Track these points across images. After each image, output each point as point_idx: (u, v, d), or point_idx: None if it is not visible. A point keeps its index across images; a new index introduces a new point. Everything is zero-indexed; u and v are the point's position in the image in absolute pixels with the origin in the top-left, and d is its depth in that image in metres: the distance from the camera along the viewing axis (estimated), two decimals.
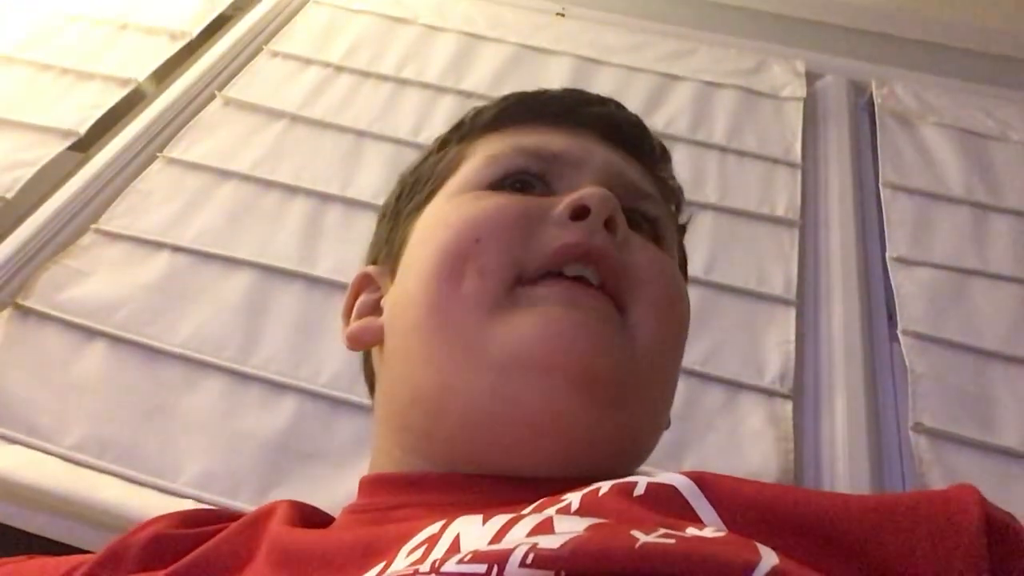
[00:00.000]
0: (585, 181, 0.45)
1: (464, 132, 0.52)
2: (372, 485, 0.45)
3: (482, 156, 0.48)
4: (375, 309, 0.49)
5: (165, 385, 0.88)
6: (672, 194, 0.53)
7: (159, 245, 1.02)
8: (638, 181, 0.48)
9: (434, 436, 0.42)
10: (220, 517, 0.47)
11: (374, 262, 0.52)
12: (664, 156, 0.53)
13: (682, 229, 0.55)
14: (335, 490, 0.79)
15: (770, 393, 0.93)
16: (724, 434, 0.89)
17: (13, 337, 0.91)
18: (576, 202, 0.42)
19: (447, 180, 0.48)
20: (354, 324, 0.48)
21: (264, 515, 0.44)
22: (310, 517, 0.46)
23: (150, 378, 0.88)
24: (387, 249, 0.51)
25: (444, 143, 0.53)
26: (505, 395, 0.38)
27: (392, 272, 0.48)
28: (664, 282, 0.44)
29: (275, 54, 1.34)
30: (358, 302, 0.50)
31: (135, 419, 0.85)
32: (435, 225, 0.45)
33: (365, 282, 0.51)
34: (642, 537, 0.27)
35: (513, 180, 0.46)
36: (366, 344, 0.49)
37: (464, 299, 0.40)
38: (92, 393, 0.86)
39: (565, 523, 0.29)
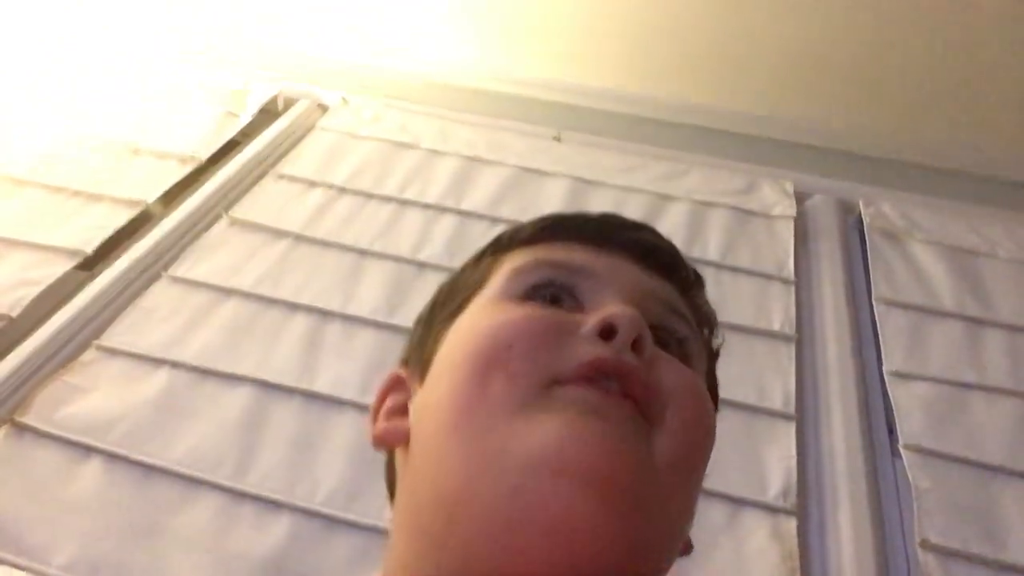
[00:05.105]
0: (614, 298, 0.46)
1: (499, 247, 0.53)
2: None
3: (509, 267, 0.49)
4: (403, 411, 0.49)
5: (159, 503, 0.87)
6: (705, 319, 0.54)
7: (159, 362, 1.02)
8: (669, 300, 0.49)
9: (449, 543, 0.41)
10: None
11: (405, 365, 0.53)
12: (698, 282, 0.54)
13: (714, 355, 0.55)
14: None
15: (773, 509, 0.92)
16: (729, 551, 0.87)
17: (7, 454, 0.90)
18: (604, 321, 0.42)
19: (478, 291, 0.50)
20: (381, 424, 0.49)
21: None
22: None
23: (144, 496, 0.87)
24: (417, 354, 0.51)
25: (480, 256, 0.54)
26: (524, 498, 0.38)
27: (421, 376, 0.49)
28: (691, 398, 0.44)
29: (281, 176, 1.38)
30: (386, 403, 0.51)
31: (127, 538, 0.83)
32: (466, 333, 0.46)
33: (395, 383, 0.52)
34: None
35: (543, 292, 0.47)
36: (391, 445, 0.49)
37: (492, 401, 0.41)
38: (85, 511, 0.85)
39: None
